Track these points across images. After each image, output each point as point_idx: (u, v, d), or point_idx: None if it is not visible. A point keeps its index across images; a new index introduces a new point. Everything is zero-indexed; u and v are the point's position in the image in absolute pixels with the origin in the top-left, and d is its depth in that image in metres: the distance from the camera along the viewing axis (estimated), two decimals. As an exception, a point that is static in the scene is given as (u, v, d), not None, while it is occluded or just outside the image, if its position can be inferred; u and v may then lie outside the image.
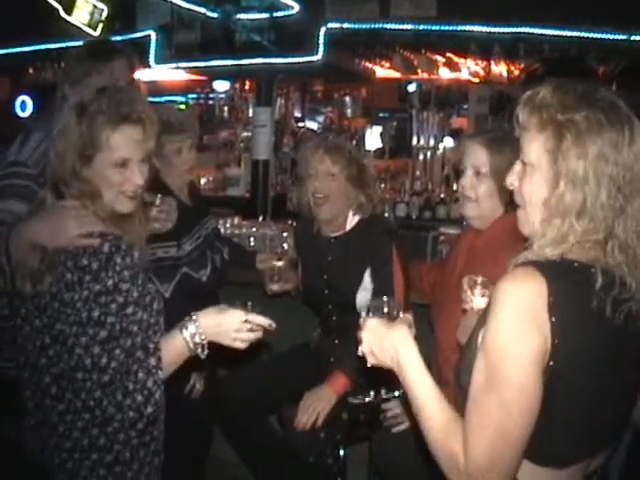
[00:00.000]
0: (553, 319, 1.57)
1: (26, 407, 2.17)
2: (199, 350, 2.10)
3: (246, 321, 2.14)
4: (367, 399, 3.17)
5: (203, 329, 2.09)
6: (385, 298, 1.98)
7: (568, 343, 1.58)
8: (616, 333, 1.63)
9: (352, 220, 3.42)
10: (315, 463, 3.10)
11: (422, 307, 3.23)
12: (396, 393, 3.09)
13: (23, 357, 2.14)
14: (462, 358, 1.83)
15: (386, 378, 1.92)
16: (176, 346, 2.08)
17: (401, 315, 1.95)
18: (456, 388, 1.82)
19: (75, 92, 2.78)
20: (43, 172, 2.63)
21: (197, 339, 2.09)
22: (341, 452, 3.18)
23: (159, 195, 2.96)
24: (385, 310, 1.94)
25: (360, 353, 1.90)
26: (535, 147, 1.70)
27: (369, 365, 1.91)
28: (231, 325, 2.12)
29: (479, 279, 2.34)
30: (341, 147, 3.43)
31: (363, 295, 3.30)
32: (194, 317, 2.10)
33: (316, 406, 3.10)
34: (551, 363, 1.58)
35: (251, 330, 2.15)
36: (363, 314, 1.96)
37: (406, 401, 1.82)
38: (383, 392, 3.16)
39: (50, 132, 2.72)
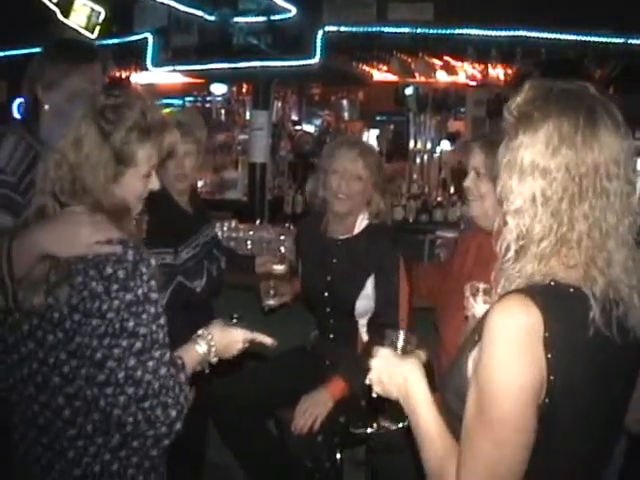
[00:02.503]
0: (549, 355, 1.50)
1: (17, 430, 2.03)
2: (206, 366, 2.16)
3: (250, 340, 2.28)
4: (369, 430, 3.15)
5: (216, 347, 2.15)
6: (402, 331, 1.96)
7: (565, 379, 1.52)
8: (612, 351, 1.58)
9: (361, 224, 3.41)
10: (312, 467, 3.09)
11: (422, 311, 3.24)
12: (400, 424, 3.08)
13: (23, 377, 1.98)
14: (451, 373, 1.80)
15: (390, 410, 1.91)
16: (191, 361, 2.09)
17: (415, 351, 1.94)
18: (442, 398, 1.80)
19: (50, 95, 2.67)
20: (22, 179, 2.53)
21: (210, 356, 2.15)
22: (338, 455, 3.17)
23: None
24: (400, 343, 1.92)
25: (368, 381, 1.88)
26: (501, 146, 1.69)
27: (374, 395, 1.88)
28: (237, 345, 2.24)
29: (481, 286, 2.32)
30: (374, 153, 3.48)
31: (363, 302, 3.31)
32: (207, 334, 2.16)
33: (313, 410, 3.09)
34: (547, 400, 1.52)
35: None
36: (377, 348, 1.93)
37: (408, 433, 1.80)
38: (387, 423, 3.14)
39: (22, 136, 2.61)
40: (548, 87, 1.65)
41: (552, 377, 1.51)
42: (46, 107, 2.67)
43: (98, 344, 1.85)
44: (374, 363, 1.86)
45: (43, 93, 2.68)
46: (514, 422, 1.52)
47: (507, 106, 1.68)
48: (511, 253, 1.63)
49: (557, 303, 1.55)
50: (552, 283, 1.58)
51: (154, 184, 2.11)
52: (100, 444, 1.92)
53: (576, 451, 1.64)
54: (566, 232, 1.58)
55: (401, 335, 1.93)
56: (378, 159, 3.48)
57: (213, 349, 2.14)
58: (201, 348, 2.13)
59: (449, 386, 1.74)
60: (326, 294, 3.43)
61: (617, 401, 1.69)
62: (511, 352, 1.52)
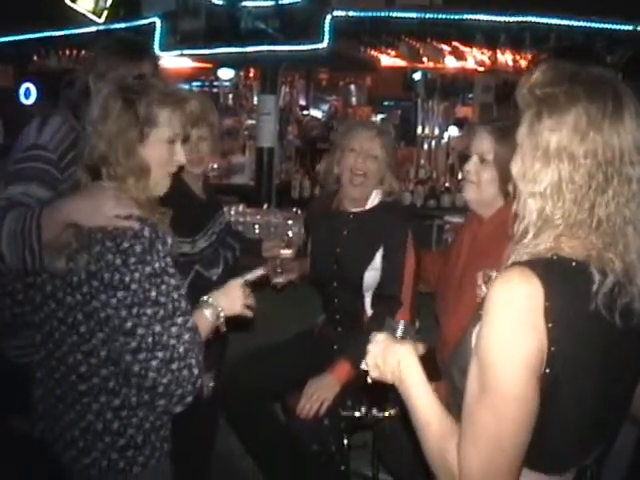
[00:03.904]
0: (549, 325, 1.50)
1: (41, 384, 2.20)
2: (221, 323, 2.30)
3: (245, 282, 2.42)
4: (357, 414, 3.15)
5: (218, 303, 2.30)
6: (402, 321, 1.96)
7: (565, 350, 1.51)
8: (613, 334, 1.57)
9: (374, 200, 3.44)
10: (319, 451, 3.10)
11: (428, 296, 3.24)
12: (386, 413, 3.09)
13: (45, 334, 2.16)
14: (457, 351, 1.79)
15: (381, 397, 1.90)
16: (202, 325, 2.21)
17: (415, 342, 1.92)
18: (448, 380, 1.79)
19: (98, 84, 2.81)
20: (63, 157, 2.66)
21: (217, 314, 2.29)
22: (345, 440, 3.18)
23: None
24: (399, 333, 1.91)
25: (364, 366, 1.88)
26: (522, 126, 1.66)
27: (370, 381, 1.88)
28: (236, 292, 2.37)
29: (494, 274, 2.31)
30: (391, 135, 3.58)
31: (371, 274, 3.32)
32: (208, 297, 2.31)
33: (320, 394, 3.09)
34: (547, 370, 1.52)
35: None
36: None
37: (402, 418, 1.79)
38: (375, 410, 3.14)
39: (67, 118, 2.77)
40: (571, 70, 1.63)
41: (553, 348, 1.51)
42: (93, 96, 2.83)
43: (127, 314, 1.99)
44: (370, 348, 1.85)
45: (93, 83, 2.84)
46: (514, 392, 1.50)
47: (527, 86, 1.65)
48: (530, 236, 1.62)
49: (558, 275, 1.54)
50: (554, 257, 1.57)
51: (180, 156, 2.26)
52: (103, 403, 2.09)
53: (576, 427, 1.63)
54: (586, 217, 1.57)
55: (400, 325, 1.92)
56: (393, 142, 3.57)
57: (219, 308, 2.29)
58: (208, 311, 2.27)
59: (455, 364, 1.73)
60: (335, 267, 3.44)
61: (619, 383, 1.68)
62: (510, 321, 1.52)
